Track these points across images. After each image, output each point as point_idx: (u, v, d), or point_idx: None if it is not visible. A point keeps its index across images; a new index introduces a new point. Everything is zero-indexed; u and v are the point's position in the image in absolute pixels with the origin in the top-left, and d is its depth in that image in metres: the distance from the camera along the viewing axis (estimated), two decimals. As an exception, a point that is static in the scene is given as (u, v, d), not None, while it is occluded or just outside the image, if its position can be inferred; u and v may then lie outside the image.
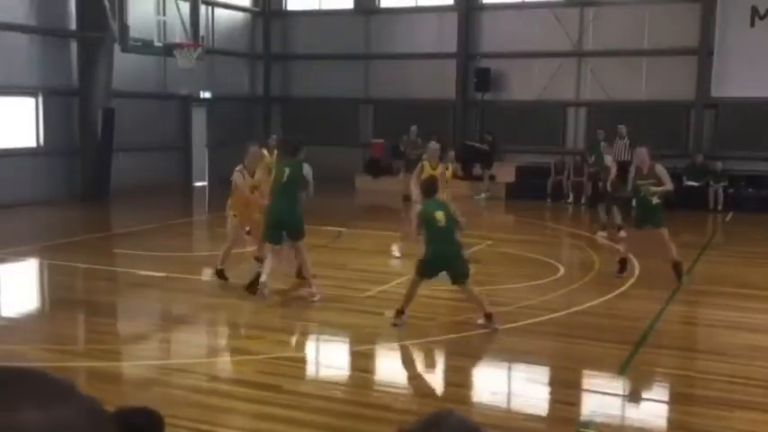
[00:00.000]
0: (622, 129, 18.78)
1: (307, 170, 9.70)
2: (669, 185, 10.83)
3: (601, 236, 14.70)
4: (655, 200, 10.70)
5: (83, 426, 0.79)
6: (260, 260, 10.12)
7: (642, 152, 10.93)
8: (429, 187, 8.82)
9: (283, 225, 9.69)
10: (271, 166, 13.38)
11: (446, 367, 7.96)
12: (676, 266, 10.71)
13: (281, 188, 9.64)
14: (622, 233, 13.16)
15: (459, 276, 8.43)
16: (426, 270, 8.47)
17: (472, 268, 8.82)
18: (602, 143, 17.45)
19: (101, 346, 8.02)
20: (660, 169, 10.82)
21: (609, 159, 15.37)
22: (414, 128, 19.62)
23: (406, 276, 10.92)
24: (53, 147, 18.81)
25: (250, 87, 25.97)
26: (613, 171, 14.53)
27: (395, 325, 8.42)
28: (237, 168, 10.32)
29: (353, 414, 6.19)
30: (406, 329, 8.45)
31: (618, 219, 14.18)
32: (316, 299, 9.57)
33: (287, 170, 9.63)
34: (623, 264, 11.09)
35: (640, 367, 7.49)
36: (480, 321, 8.44)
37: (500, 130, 21.62)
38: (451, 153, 13.67)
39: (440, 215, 8.30)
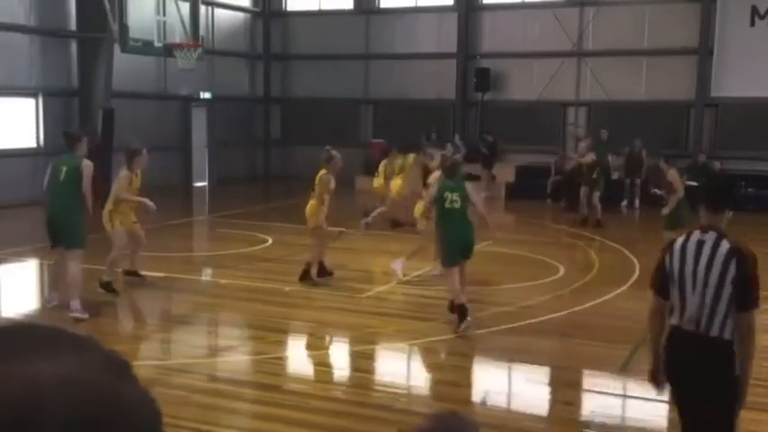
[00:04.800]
0: (604, 134, 19.26)
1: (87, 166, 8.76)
2: None
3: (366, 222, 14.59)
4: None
5: (97, 376, 0.72)
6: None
7: None
8: (449, 168, 8.92)
9: (55, 229, 8.91)
10: None
11: (446, 367, 7.96)
12: None
13: (56, 188, 8.76)
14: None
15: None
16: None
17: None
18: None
19: (101, 347, 8.00)
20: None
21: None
22: None
23: (407, 276, 10.94)
24: (53, 147, 18.75)
25: (250, 87, 25.96)
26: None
27: (466, 327, 8.22)
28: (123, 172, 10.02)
29: (353, 414, 6.19)
30: (406, 330, 8.46)
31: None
32: (76, 315, 8.69)
33: (64, 168, 8.75)
34: None
35: (640, 367, 7.47)
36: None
37: (500, 130, 21.60)
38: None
39: (454, 196, 8.44)
